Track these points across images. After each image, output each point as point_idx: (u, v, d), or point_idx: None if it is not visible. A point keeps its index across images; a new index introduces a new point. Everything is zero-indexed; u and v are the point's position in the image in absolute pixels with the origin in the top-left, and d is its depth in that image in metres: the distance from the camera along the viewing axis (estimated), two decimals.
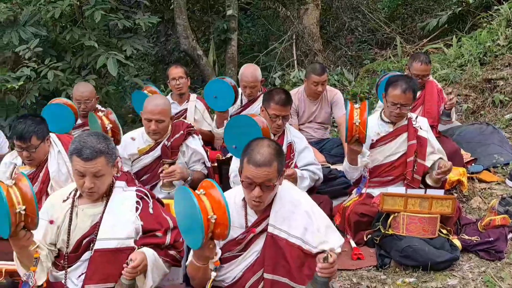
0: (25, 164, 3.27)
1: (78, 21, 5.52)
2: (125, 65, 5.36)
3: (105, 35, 5.87)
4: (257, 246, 2.33)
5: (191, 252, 2.23)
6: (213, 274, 2.16)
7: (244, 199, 2.36)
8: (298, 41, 7.59)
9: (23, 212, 2.02)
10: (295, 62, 7.38)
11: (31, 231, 2.16)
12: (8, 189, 2.05)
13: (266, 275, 2.28)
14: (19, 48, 4.98)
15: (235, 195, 2.41)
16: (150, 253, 2.30)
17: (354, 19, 8.61)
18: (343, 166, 3.54)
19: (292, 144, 3.49)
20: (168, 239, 2.42)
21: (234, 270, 2.33)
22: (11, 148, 4.30)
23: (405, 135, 3.55)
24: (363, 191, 3.55)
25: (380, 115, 3.64)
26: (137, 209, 2.44)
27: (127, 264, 2.18)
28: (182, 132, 3.48)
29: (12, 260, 2.44)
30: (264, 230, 2.33)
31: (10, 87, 4.88)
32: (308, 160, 3.48)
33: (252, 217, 2.36)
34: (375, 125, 3.56)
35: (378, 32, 8.34)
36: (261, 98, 4.40)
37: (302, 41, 7.55)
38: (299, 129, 4.42)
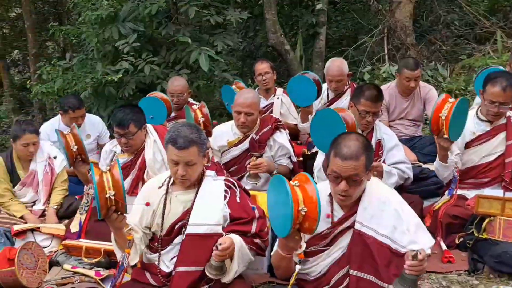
0: (123, 152, 3.48)
1: (173, 17, 5.76)
2: (216, 60, 5.51)
3: (198, 31, 6.06)
4: (343, 242, 2.31)
5: (277, 242, 2.27)
6: (298, 267, 2.17)
7: (330, 194, 2.35)
8: (389, 35, 7.35)
9: (112, 197, 2.20)
10: (386, 56, 7.16)
11: (124, 214, 2.34)
12: (102, 174, 2.23)
13: (352, 272, 2.26)
14: (119, 43, 5.30)
15: (321, 190, 2.40)
16: (237, 239, 2.37)
17: (450, 12, 8.16)
18: (434, 164, 3.39)
19: (381, 141, 3.39)
20: (254, 227, 2.49)
21: (320, 264, 2.33)
22: (111, 137, 4.61)
23: (503, 134, 3.34)
24: (454, 192, 3.37)
25: (476, 113, 3.43)
26: (225, 197, 2.55)
27: (216, 247, 2.26)
28: (270, 126, 3.53)
29: (111, 241, 2.64)
30: (351, 226, 2.30)
31: (110, 79, 5.22)
32: (398, 158, 3.36)
33: (338, 213, 2.34)
34: (471, 124, 3.36)
35: (476, 26, 7.84)
36: (348, 93, 4.34)
37: (394, 35, 7.29)
38: (389, 126, 4.30)
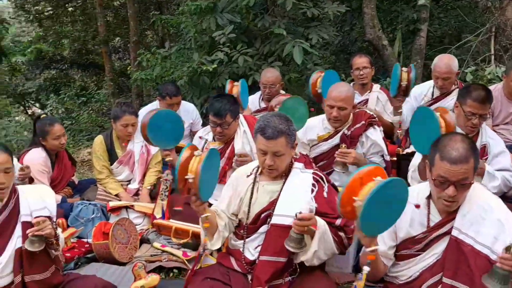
0: (215, 140, 3.56)
1: (269, 9, 5.78)
2: (309, 53, 5.45)
3: (293, 24, 6.03)
4: (438, 248, 2.18)
5: None
6: (366, 268, 2.04)
7: (428, 197, 2.22)
8: (497, 35, 6.82)
9: (191, 181, 2.23)
10: (492, 57, 6.66)
11: (206, 201, 2.38)
12: (191, 156, 2.29)
13: (445, 280, 2.13)
14: (216, 33, 5.41)
15: (418, 192, 2.28)
16: (321, 222, 2.33)
17: None
18: None
19: (486, 146, 3.15)
20: (339, 222, 2.42)
21: (411, 269, 2.22)
22: (203, 125, 4.74)
23: None
24: None
25: None
26: (312, 191, 2.49)
27: (296, 216, 2.22)
28: (363, 122, 3.41)
29: (198, 224, 2.70)
30: (448, 232, 2.16)
31: (205, 69, 5.36)
32: (503, 165, 3.10)
33: (435, 218, 2.21)
34: None
35: None
36: (455, 93, 4.08)
37: (503, 35, 6.76)
38: (493, 131, 3.99)
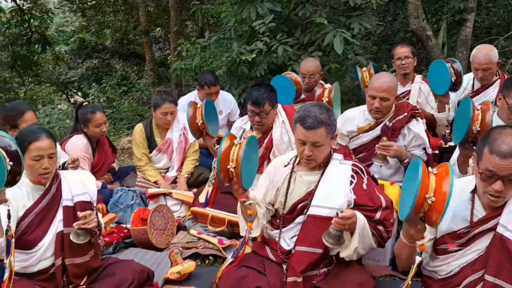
0: (253, 130, 3.55)
1: None
2: (350, 43, 5.35)
3: (334, 13, 5.92)
4: (481, 244, 2.10)
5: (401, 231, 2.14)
6: (418, 258, 2.00)
7: (473, 191, 2.14)
8: None
9: (232, 170, 2.22)
10: None
11: (248, 189, 2.37)
12: (232, 145, 2.26)
13: (487, 277, 2.05)
14: (256, 23, 5.38)
15: (462, 186, 2.20)
16: (361, 217, 2.28)
17: None
18: None
19: None
20: (378, 215, 2.37)
21: (451, 264, 2.15)
22: (241, 115, 4.74)
23: None
24: None
25: None
26: (351, 182, 2.45)
27: (337, 214, 2.19)
28: (406, 113, 3.31)
29: (235, 212, 2.70)
30: (492, 229, 2.07)
31: (244, 59, 5.34)
32: None
33: (480, 213, 2.12)
34: None
35: None
36: (497, 84, 3.93)
37: None
38: None
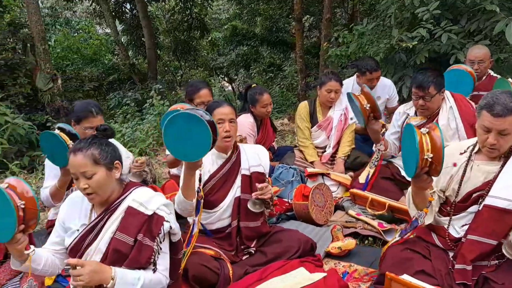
0: (417, 115, 3.51)
1: None
2: None
3: (507, 0, 5.50)
4: None
5: None
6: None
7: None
8: None
9: (429, 159, 2.15)
10: None
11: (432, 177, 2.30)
12: (421, 136, 2.25)
13: None
14: (419, 10, 5.21)
15: None
16: None
17: None
18: None
19: None
20: None
21: None
22: (399, 102, 4.69)
23: None
24: None
25: None
26: None
27: None
28: None
29: (393, 198, 2.73)
30: None
31: (404, 46, 5.24)
32: None
33: None
34: None
35: None
36: None
37: None
38: None
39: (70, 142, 2.73)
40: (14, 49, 11.05)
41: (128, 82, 13.62)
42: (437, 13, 5.15)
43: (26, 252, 2.03)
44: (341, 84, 4.18)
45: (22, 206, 1.92)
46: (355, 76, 4.78)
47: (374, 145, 3.68)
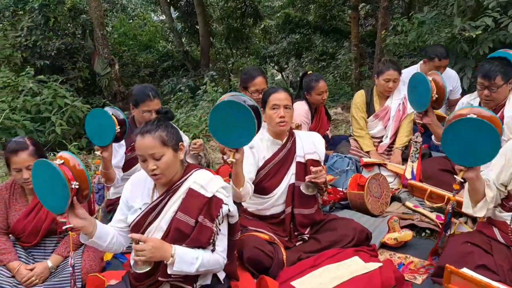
0: (481, 106, 3.38)
1: None
2: None
3: None
4: None
5: None
6: None
7: None
8: None
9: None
10: None
11: None
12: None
13: None
14: None
15: None
16: None
17: None
18: None
19: None
20: None
21: None
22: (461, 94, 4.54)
23: None
24: None
25: None
26: None
27: None
28: None
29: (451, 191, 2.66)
30: None
31: (466, 36, 5.05)
32: None
33: None
34: None
35: None
36: None
37: None
38: None
39: (118, 127, 2.83)
40: (74, 34, 11.48)
41: (181, 69, 13.86)
42: (503, 1, 4.92)
43: (81, 224, 2.08)
44: (400, 73, 4.09)
45: (74, 183, 2.00)
46: (418, 64, 4.65)
47: (415, 135, 3.52)
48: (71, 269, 2.36)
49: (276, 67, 17.07)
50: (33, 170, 2.09)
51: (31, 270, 2.64)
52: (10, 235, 2.81)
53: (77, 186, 2.01)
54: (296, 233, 2.88)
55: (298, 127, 3.74)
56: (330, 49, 14.48)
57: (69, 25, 11.39)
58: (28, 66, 8.91)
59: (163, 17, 17.69)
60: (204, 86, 8.49)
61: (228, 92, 3.66)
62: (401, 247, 2.94)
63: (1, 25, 10.37)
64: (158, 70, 14.06)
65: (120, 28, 15.12)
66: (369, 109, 4.25)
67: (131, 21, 17.17)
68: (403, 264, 2.78)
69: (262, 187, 2.84)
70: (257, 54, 16.05)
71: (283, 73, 16.85)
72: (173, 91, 11.31)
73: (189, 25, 14.61)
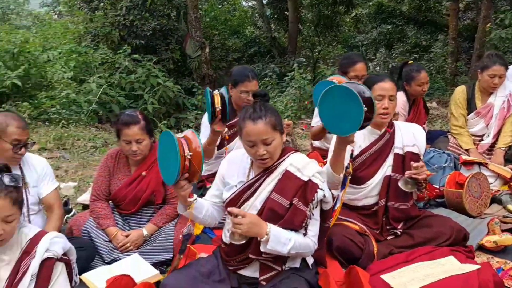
0: None
1: None
2: None
3: None
4: None
5: None
6: None
7: None
8: None
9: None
10: None
11: None
12: None
13: None
14: None
15: None
16: None
17: None
18: None
19: None
20: None
21: None
22: None
23: None
24: None
25: None
26: None
27: None
28: None
29: None
30: None
31: None
32: None
33: None
34: None
35: None
36: None
37: None
38: None
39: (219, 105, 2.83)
40: (169, 15, 11.86)
41: (267, 56, 13.90)
42: None
43: (189, 199, 2.18)
44: (506, 69, 3.81)
45: (189, 157, 2.03)
46: None
47: None
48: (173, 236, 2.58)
49: None
50: (161, 137, 2.18)
51: (127, 236, 2.77)
52: (110, 202, 2.96)
53: (189, 157, 2.03)
54: (388, 227, 2.79)
55: (395, 115, 3.61)
56: (424, 41, 13.85)
57: (164, 6, 11.74)
58: (126, 45, 9.36)
59: (252, 3, 17.80)
60: (292, 72, 8.46)
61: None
62: (500, 251, 2.76)
63: (102, 4, 10.91)
64: (245, 55, 14.21)
65: (211, 12, 15.40)
66: (470, 106, 4.01)
67: (221, 5, 17.44)
68: (502, 269, 2.61)
69: (357, 176, 2.77)
70: (345, 43, 15.72)
71: (370, 64, 16.41)
72: (258, 77, 11.37)
73: (278, 11, 14.57)
